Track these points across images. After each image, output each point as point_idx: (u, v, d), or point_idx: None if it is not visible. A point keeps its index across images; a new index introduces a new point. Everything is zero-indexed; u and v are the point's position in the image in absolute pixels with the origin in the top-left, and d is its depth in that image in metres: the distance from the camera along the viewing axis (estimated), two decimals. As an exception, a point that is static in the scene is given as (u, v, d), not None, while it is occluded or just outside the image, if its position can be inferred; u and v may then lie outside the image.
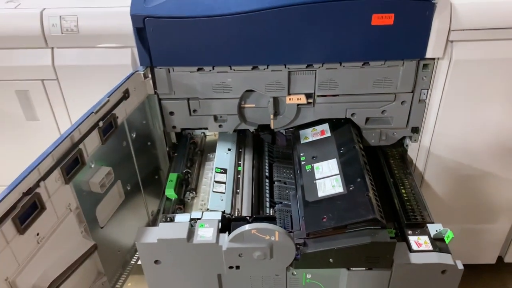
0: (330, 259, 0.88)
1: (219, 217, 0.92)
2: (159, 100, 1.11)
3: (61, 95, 1.12)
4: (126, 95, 0.99)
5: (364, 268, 0.90)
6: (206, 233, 0.88)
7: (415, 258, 0.89)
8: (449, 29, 0.98)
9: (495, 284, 1.52)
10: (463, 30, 0.99)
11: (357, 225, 0.88)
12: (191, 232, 0.87)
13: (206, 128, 1.17)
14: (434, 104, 1.11)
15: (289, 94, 1.09)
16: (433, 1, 0.95)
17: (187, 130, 1.23)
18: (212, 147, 1.20)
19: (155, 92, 1.09)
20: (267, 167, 1.14)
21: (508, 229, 1.38)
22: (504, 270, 1.54)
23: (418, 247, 0.92)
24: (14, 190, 0.70)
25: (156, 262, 0.89)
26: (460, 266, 0.89)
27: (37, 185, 0.75)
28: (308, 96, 1.10)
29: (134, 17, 0.96)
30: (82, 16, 1.01)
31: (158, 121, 1.14)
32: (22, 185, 0.71)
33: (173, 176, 1.06)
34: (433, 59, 1.04)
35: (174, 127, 1.16)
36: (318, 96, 1.10)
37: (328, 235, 0.89)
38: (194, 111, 1.12)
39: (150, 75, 1.06)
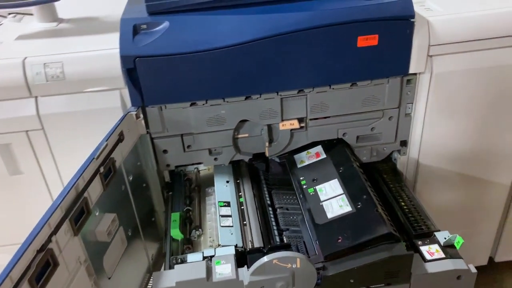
0: (351, 280, 0.88)
1: (233, 252, 0.90)
2: (152, 139, 1.08)
3: (47, 145, 1.07)
4: (121, 137, 0.97)
5: (383, 284, 0.91)
6: (224, 270, 0.85)
7: (431, 268, 0.90)
8: (429, 44, 1.04)
9: (490, 283, 1.57)
10: (441, 44, 1.05)
11: (373, 241, 0.88)
12: (209, 271, 0.84)
13: (201, 163, 1.16)
14: (419, 117, 1.16)
15: (282, 120, 1.10)
16: (411, 20, 1.00)
17: (180, 167, 1.21)
18: (207, 182, 1.18)
19: (147, 132, 1.07)
20: (267, 195, 1.13)
21: (496, 229, 1.44)
22: (496, 270, 1.59)
23: (431, 256, 0.93)
24: (28, 249, 0.65)
25: (174, 307, 0.85)
26: (473, 270, 0.91)
27: (49, 240, 0.70)
28: (300, 120, 1.12)
29: (124, 58, 0.95)
30: (68, 62, 0.98)
31: (151, 160, 1.11)
32: (35, 243, 0.67)
33: (175, 216, 1.03)
34: (415, 74, 1.09)
35: (168, 165, 1.14)
36: (310, 119, 1.12)
37: (345, 255, 0.89)
38: (188, 146, 1.11)
39: (141, 115, 1.04)
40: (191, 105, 1.04)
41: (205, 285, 0.83)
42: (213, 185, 1.15)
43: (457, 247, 0.95)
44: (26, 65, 0.98)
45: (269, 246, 0.92)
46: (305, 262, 0.83)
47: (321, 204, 1.00)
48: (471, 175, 1.27)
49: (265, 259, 0.82)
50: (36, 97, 1.02)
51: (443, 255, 0.93)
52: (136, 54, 0.95)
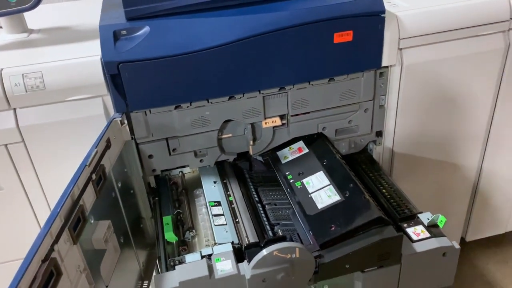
0: (347, 265, 0.92)
1: (231, 248, 0.91)
2: (137, 145, 1.08)
3: (28, 158, 1.04)
4: (108, 144, 0.96)
5: (376, 267, 0.95)
6: (225, 266, 0.86)
7: (418, 247, 0.96)
8: (398, 38, 1.10)
9: (463, 262, 1.66)
10: (409, 37, 1.11)
11: (364, 226, 0.92)
12: (210, 269, 0.85)
13: (187, 166, 1.16)
14: (392, 108, 1.22)
15: (265, 118, 1.13)
16: (382, 15, 1.06)
17: (164, 172, 1.21)
18: (194, 184, 1.19)
19: (132, 138, 1.06)
20: (254, 193, 1.15)
21: (466, 210, 1.53)
22: (468, 249, 1.68)
23: (417, 236, 0.99)
24: (33, 260, 0.64)
25: (178, 308, 0.86)
26: (457, 246, 0.97)
27: (51, 249, 0.69)
28: (282, 117, 1.15)
29: (107, 64, 0.95)
30: (47, 71, 0.97)
31: (136, 166, 1.11)
32: (39, 253, 0.66)
33: (167, 219, 1.03)
34: (387, 67, 1.15)
35: (154, 170, 1.13)
36: (291, 116, 1.15)
37: (339, 242, 0.93)
38: (174, 150, 1.11)
39: (126, 121, 1.03)
40: (175, 108, 1.05)
41: (208, 283, 0.84)
42: (200, 187, 1.16)
43: (441, 226, 1.00)
44: (3, 77, 0.96)
45: (266, 240, 0.94)
46: (303, 251, 0.86)
47: (310, 196, 1.04)
48: (442, 160, 1.35)
49: (265, 251, 0.84)
50: (14, 109, 0.99)
51: (428, 235, 0.98)
52: (119, 59, 0.95)
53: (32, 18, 1.20)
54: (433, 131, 1.28)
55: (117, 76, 0.96)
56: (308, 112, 1.16)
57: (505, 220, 1.58)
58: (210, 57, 0.99)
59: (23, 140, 1.02)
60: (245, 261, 0.88)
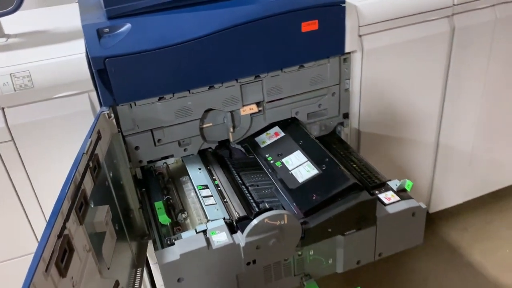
0: (329, 229, 1.01)
1: (223, 223, 0.99)
2: (124, 137, 1.13)
3: (18, 156, 1.07)
4: (99, 135, 1.01)
5: (355, 230, 1.05)
6: (220, 238, 0.94)
7: (390, 209, 1.07)
8: (358, 25, 1.22)
9: (428, 232, 1.80)
10: (368, 25, 1.23)
11: (342, 193, 1.02)
12: (208, 241, 0.92)
13: (171, 156, 1.22)
14: (355, 91, 1.34)
15: (243, 106, 1.21)
16: (343, 5, 1.17)
17: (149, 164, 1.26)
18: (179, 173, 1.25)
19: (119, 130, 1.12)
20: (237, 176, 1.23)
21: (428, 183, 1.67)
22: (431, 220, 1.83)
23: (389, 200, 1.10)
24: (51, 234, 0.69)
25: (179, 280, 0.92)
26: (424, 206, 1.09)
27: (64, 227, 0.74)
28: (258, 104, 1.24)
29: (94, 60, 1.00)
30: (35, 70, 1.01)
31: (124, 158, 1.16)
32: (55, 228, 0.71)
33: (159, 204, 1.09)
34: (350, 53, 1.27)
35: (140, 161, 1.19)
36: (267, 102, 1.24)
37: (321, 209, 1.02)
38: (159, 140, 1.17)
39: (112, 115, 1.09)
40: (159, 99, 1.12)
41: (207, 253, 0.91)
42: (185, 175, 1.23)
43: (408, 189, 1.12)
44: (-9, 77, 0.99)
45: (255, 212, 1.02)
46: (291, 217, 0.94)
47: (290, 172, 1.13)
48: (403, 137, 1.48)
49: (257, 219, 0.92)
50: (3, 108, 1.03)
51: (398, 198, 1.10)
52: (105, 55, 1.00)
53: (5, 24, 1.23)
54: (393, 110, 1.41)
55: (103, 71, 1.02)
56: (282, 98, 1.26)
57: (462, 190, 1.74)
58: (189, 49, 1.07)
59: (12, 138, 1.05)
60: (238, 232, 0.96)
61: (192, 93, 1.14)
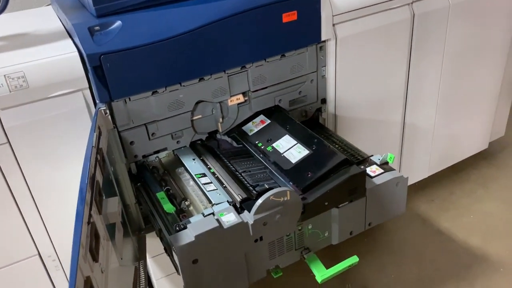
0: (326, 202, 1.09)
1: (228, 205, 1.04)
2: (119, 133, 1.16)
3: (15, 159, 1.07)
4: (100, 130, 1.03)
5: (347, 202, 1.14)
6: (229, 218, 0.99)
7: (377, 181, 1.16)
8: (332, 15, 1.31)
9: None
10: (340, 14, 1.33)
11: (334, 169, 1.11)
12: (218, 222, 0.97)
13: (165, 149, 1.26)
14: (331, 77, 1.43)
15: (230, 96, 1.27)
16: (317, -4, 1.26)
17: (143, 159, 1.29)
18: (173, 165, 1.28)
19: (115, 126, 1.14)
20: (230, 164, 1.28)
21: (397, 160, 1.80)
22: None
23: (374, 173, 1.19)
24: (83, 221, 0.72)
25: (194, 262, 0.96)
26: (405, 176, 1.20)
27: (90, 215, 0.77)
28: (244, 94, 1.30)
29: (90, 57, 1.02)
30: (29, 70, 1.01)
31: (120, 154, 1.18)
32: (85, 216, 0.73)
33: (161, 194, 1.12)
34: (325, 41, 1.36)
35: (135, 156, 1.22)
36: (252, 91, 1.31)
37: (316, 185, 1.10)
38: (153, 134, 1.21)
39: (108, 111, 1.11)
40: (152, 93, 1.15)
41: (220, 232, 0.96)
42: (179, 166, 1.26)
43: (391, 162, 1.23)
44: (-15, 80, 0.98)
45: (257, 193, 1.08)
46: (293, 193, 1.02)
47: (282, 155, 1.20)
48: (374, 118, 1.60)
49: (263, 198, 0.98)
50: (-3, 110, 1.02)
51: (382, 171, 1.20)
52: (100, 51, 1.02)
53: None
54: (364, 94, 1.52)
55: (99, 67, 1.04)
56: (266, 87, 1.32)
57: (427, 165, 1.89)
58: (180, 42, 1.11)
59: (8, 141, 1.04)
60: (245, 211, 1.02)
61: (184, 85, 1.18)
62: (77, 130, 1.11)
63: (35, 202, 1.14)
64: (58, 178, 1.14)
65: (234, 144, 1.36)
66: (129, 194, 1.25)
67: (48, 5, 1.47)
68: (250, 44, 1.21)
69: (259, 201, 0.98)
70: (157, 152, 1.25)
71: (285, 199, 1.01)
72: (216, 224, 0.96)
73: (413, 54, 1.56)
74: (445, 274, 1.61)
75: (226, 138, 1.39)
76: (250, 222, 0.99)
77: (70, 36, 1.14)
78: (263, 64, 1.28)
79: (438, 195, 1.96)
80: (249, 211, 1.00)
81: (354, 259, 1.15)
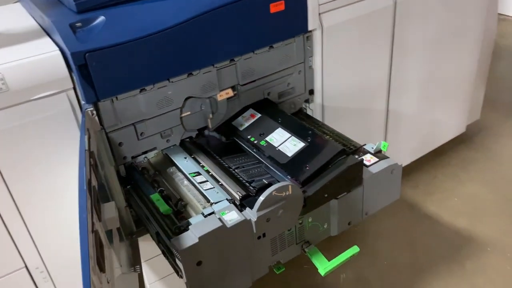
0: (325, 194, 1.08)
1: (229, 203, 1.01)
2: (107, 134, 1.10)
3: (-4, 166, 1.00)
4: (89, 134, 0.98)
5: (346, 193, 1.13)
6: (232, 216, 0.96)
7: (373, 170, 1.16)
8: (318, 4, 1.29)
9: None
10: (326, 3, 1.31)
11: (332, 160, 1.09)
12: (221, 221, 0.94)
13: (154, 149, 1.21)
14: (318, 67, 1.41)
15: (220, 91, 1.23)
16: (304, -14, 1.24)
17: (131, 161, 1.24)
18: (163, 165, 1.24)
19: (102, 128, 1.08)
20: (222, 161, 1.25)
21: (382, 147, 1.81)
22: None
23: (369, 162, 1.19)
24: (88, 231, 0.67)
25: (198, 264, 0.93)
26: (400, 163, 1.20)
27: (93, 222, 0.72)
28: (233, 88, 1.27)
29: (74, 55, 0.96)
30: (9, 72, 0.94)
31: (108, 156, 1.13)
32: (89, 225, 0.69)
33: (155, 196, 1.08)
34: (311, 31, 1.34)
35: (124, 157, 1.16)
36: (241, 85, 1.27)
37: (316, 178, 1.08)
38: (142, 134, 1.16)
39: (95, 112, 1.05)
40: (140, 91, 1.10)
41: (223, 232, 0.93)
42: (170, 166, 1.22)
43: (384, 150, 1.22)
44: (-40, 84, 0.91)
45: (256, 189, 1.05)
46: (295, 187, 0.99)
47: (277, 149, 1.17)
48: (360, 107, 1.60)
49: (265, 194, 0.96)
50: (-25, 117, 0.95)
51: (376, 159, 1.19)
52: (85, 49, 0.97)
53: None
54: (351, 83, 1.51)
55: (84, 66, 0.98)
56: (255, 80, 1.29)
57: (410, 151, 1.91)
58: (167, 37, 1.06)
59: (-11, 148, 0.98)
60: (247, 208, 0.99)
61: (172, 82, 1.13)
62: (62, 134, 1.05)
63: (19, 211, 1.07)
64: (43, 185, 1.08)
65: (223, 139, 1.32)
66: (119, 197, 1.20)
67: (16, 1, 1.39)
68: (238, 36, 1.18)
69: (262, 197, 0.96)
70: (146, 152, 1.20)
71: (287, 193, 0.99)
72: (219, 224, 0.93)
73: (395, 41, 1.57)
74: (436, 257, 1.64)
75: (214, 134, 1.36)
76: (254, 219, 0.96)
77: (48, 34, 1.07)
78: (251, 57, 1.24)
79: (422, 180, 2.00)
80: (251, 208, 0.98)
81: (355, 249, 1.14)
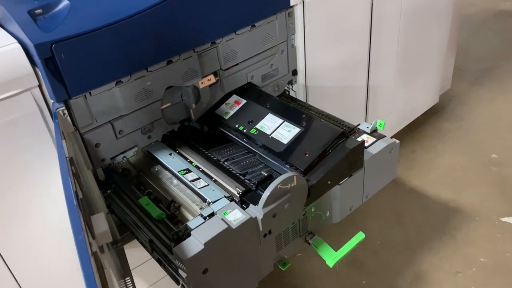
0: (329, 181, 1.01)
1: (228, 201, 0.92)
2: (81, 135, 0.97)
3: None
4: (64, 138, 0.85)
5: (347, 177, 1.06)
6: (236, 216, 0.87)
7: (372, 150, 1.10)
8: (299, -22, 1.20)
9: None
10: (307, -24, 1.22)
11: (332, 144, 1.02)
12: (225, 222, 0.85)
13: (135, 147, 1.09)
14: (300, 46, 1.33)
15: (202, 77, 1.13)
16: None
17: (108, 162, 1.11)
18: (145, 164, 1.12)
19: (75, 129, 0.95)
20: (210, 154, 1.15)
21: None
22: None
23: (367, 143, 1.13)
24: (88, 255, 0.56)
25: (204, 272, 0.84)
26: (397, 141, 1.15)
27: (90, 243, 0.61)
28: (215, 74, 1.16)
29: (38, 47, 0.82)
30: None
31: (85, 159, 1.00)
32: (88, 248, 0.58)
33: (145, 200, 0.97)
34: (293, 7, 1.25)
35: (103, 160, 1.04)
36: (223, 70, 1.17)
37: (316, 165, 1.01)
38: (120, 132, 1.04)
39: (66, 111, 0.92)
40: (116, 84, 0.97)
41: (229, 234, 0.84)
42: (154, 164, 1.11)
43: (381, 128, 1.17)
44: None
45: (256, 182, 0.97)
46: (299, 177, 0.92)
47: (271, 136, 1.09)
48: (342, 85, 1.54)
49: (270, 188, 0.87)
50: None
51: (374, 139, 1.14)
52: (51, 39, 0.83)
53: None
54: (332, 60, 1.45)
55: (50, 59, 0.85)
56: (238, 64, 1.20)
57: (389, 126, 1.89)
58: (141, 21, 0.94)
59: None
60: (250, 205, 0.91)
61: (150, 71, 1.02)
62: (30, 139, 0.92)
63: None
64: (11, 199, 0.94)
65: (206, 129, 1.22)
66: (99, 204, 1.08)
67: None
68: (219, 15, 1.07)
69: (267, 192, 0.87)
70: (126, 151, 1.09)
71: (292, 185, 0.91)
72: (224, 226, 0.84)
73: (374, 15, 1.51)
74: (427, 231, 1.63)
75: (196, 125, 1.25)
76: (260, 216, 0.88)
77: (1, 25, 0.92)
78: (233, 38, 1.14)
79: (401, 156, 1.98)
80: (254, 204, 0.90)
81: (360, 236, 1.09)
